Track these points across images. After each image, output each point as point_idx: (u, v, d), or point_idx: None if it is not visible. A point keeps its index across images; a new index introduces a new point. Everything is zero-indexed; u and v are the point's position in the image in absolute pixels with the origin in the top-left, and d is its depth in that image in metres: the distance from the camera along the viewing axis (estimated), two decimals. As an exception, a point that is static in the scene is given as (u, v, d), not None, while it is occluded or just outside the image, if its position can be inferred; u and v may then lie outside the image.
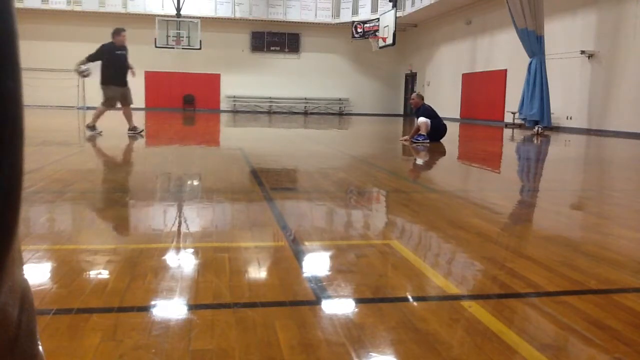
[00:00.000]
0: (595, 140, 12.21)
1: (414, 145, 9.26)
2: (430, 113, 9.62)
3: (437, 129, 9.60)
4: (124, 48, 9.80)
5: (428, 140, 9.44)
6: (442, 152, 8.63)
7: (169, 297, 1.97)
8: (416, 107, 9.88)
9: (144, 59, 24.29)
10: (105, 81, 9.70)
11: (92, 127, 9.74)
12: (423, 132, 9.44)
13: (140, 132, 9.99)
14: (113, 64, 9.61)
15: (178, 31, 22.07)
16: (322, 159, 7.23)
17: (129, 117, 10.01)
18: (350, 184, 5.19)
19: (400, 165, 7.35)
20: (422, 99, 10.02)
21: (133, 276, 2.17)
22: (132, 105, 10.28)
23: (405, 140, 9.83)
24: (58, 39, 23.24)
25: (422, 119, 9.48)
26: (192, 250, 2.64)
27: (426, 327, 1.75)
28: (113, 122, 13.47)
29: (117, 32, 9.81)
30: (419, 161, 7.86)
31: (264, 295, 2.03)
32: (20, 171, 0.45)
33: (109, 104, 9.81)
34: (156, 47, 22.10)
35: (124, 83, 9.82)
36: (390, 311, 1.89)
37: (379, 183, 5.33)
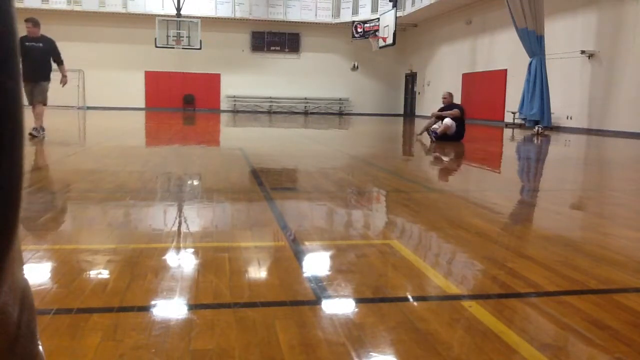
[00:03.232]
0: (595, 140, 12.21)
1: (429, 135, 9.62)
2: (463, 112, 10.06)
3: (459, 133, 10.00)
4: (37, 40, 8.57)
5: (434, 141, 9.64)
6: (444, 152, 8.63)
7: (169, 297, 1.97)
8: (448, 104, 10.16)
9: (144, 59, 24.37)
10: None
11: (41, 129, 8.76)
12: (441, 131, 9.63)
13: (42, 134, 8.70)
14: (23, 57, 7.99)
15: (178, 31, 22.07)
16: (322, 158, 7.23)
17: (37, 116, 8.69)
18: (350, 184, 5.19)
19: (400, 165, 7.35)
20: (452, 97, 10.40)
21: (133, 276, 2.17)
22: (47, 105, 9.03)
23: (430, 127, 10.11)
24: (58, 39, 23.02)
25: (449, 121, 9.68)
26: (192, 250, 2.64)
27: (426, 327, 1.75)
28: (111, 123, 13.55)
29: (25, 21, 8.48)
30: (419, 161, 7.86)
31: (264, 295, 2.03)
32: (20, 171, 0.45)
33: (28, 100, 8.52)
34: (156, 47, 22.10)
35: (32, 79, 8.55)
36: (390, 311, 1.89)
37: (379, 183, 5.33)
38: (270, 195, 4.29)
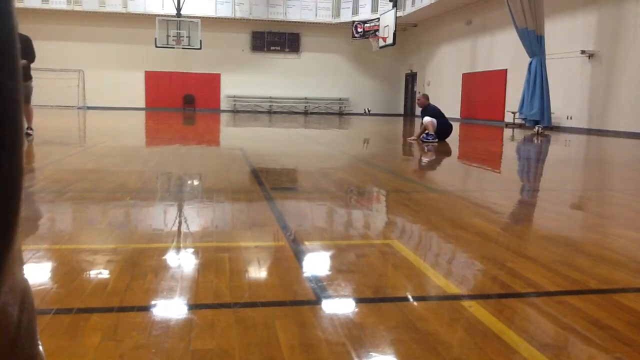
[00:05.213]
0: (596, 140, 12.21)
1: (424, 144, 9.39)
2: (436, 113, 9.79)
3: (443, 128, 9.77)
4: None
5: (437, 140, 9.58)
6: (444, 152, 8.63)
7: (169, 297, 1.97)
8: (423, 107, 10.03)
9: (144, 59, 24.37)
10: None
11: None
12: (431, 131, 9.63)
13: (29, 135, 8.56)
14: None
15: (178, 31, 22.07)
16: (322, 158, 7.23)
17: (28, 116, 8.73)
18: (350, 184, 5.19)
19: (400, 165, 7.35)
20: (428, 98, 10.20)
21: (133, 276, 2.17)
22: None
23: (413, 139, 10.04)
24: (58, 39, 23.24)
25: (427, 119, 9.70)
26: (192, 250, 2.64)
27: (426, 327, 1.75)
28: (112, 123, 13.55)
29: None
30: (419, 161, 7.86)
31: (264, 295, 2.03)
32: (20, 171, 0.45)
33: None
34: (156, 47, 22.10)
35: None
36: (390, 311, 1.89)
37: (379, 183, 5.33)
38: (270, 195, 4.29)
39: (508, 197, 4.82)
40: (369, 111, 15.14)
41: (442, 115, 9.91)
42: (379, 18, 21.62)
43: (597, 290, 2.17)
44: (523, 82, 15.23)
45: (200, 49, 22.41)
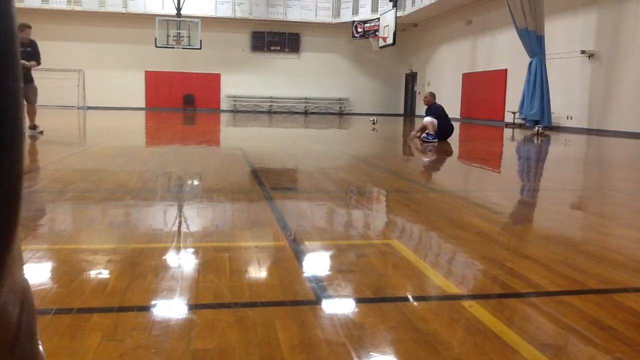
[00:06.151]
0: (596, 140, 12.21)
1: (424, 144, 9.42)
2: (440, 113, 9.83)
3: (444, 129, 9.82)
4: (26, 44, 9.07)
5: (437, 140, 9.61)
6: (444, 152, 8.63)
7: (169, 297, 1.97)
8: (428, 105, 10.06)
9: (144, 59, 24.37)
10: None
11: (33, 127, 9.30)
12: (431, 131, 9.64)
13: (40, 131, 9.30)
14: None
15: (178, 31, 22.06)
16: (322, 158, 7.23)
17: (30, 115, 9.31)
18: (351, 184, 5.19)
19: (400, 165, 7.35)
20: (435, 97, 10.21)
21: (133, 276, 2.18)
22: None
23: (414, 134, 10.10)
24: (58, 39, 23.23)
25: (428, 119, 9.75)
26: (192, 250, 2.64)
27: (426, 326, 1.75)
28: (112, 123, 13.56)
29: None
30: (419, 161, 7.86)
31: (264, 295, 2.03)
32: (20, 171, 0.45)
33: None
34: (156, 46, 22.09)
35: (24, 80, 9.68)
36: (390, 311, 1.89)
37: (379, 183, 5.33)
38: (270, 195, 4.29)
39: (508, 197, 4.82)
40: (375, 122, 14.74)
41: (445, 115, 9.95)
42: (379, 18, 21.62)
43: (597, 290, 2.17)
44: (523, 82, 15.23)
45: (200, 49, 22.41)
